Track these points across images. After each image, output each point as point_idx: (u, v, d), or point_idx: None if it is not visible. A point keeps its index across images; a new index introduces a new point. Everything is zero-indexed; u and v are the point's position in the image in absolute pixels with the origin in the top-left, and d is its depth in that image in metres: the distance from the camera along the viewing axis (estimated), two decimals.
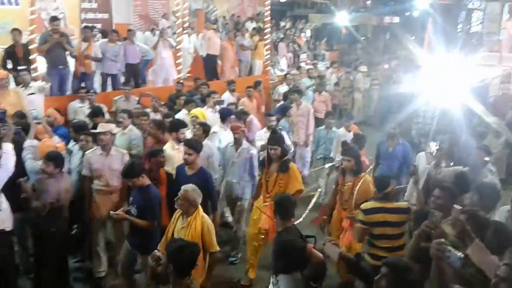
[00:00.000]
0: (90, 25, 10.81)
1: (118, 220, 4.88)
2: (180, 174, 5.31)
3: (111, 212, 4.77)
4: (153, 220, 4.67)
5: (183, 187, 4.30)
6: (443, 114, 7.75)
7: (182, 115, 7.40)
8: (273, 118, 7.24)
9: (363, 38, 20.53)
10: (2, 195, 4.68)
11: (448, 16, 17.94)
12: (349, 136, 7.21)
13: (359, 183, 5.02)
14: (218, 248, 4.38)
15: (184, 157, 5.20)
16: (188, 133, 6.28)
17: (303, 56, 16.26)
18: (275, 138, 5.43)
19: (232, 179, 6.04)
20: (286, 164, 5.31)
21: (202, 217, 4.30)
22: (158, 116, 7.30)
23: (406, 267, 2.90)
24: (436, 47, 10.04)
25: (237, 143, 6.04)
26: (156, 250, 3.66)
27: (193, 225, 4.24)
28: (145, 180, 4.74)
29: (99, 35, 10.36)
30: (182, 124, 6.14)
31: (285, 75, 11.84)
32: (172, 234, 4.34)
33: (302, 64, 14.70)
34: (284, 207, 3.92)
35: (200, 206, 4.33)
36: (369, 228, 4.42)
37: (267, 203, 5.29)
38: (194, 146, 5.21)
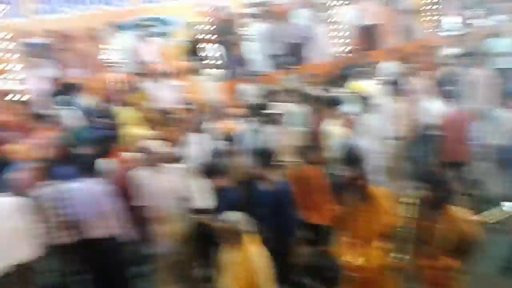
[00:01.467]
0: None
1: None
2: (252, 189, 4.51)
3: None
4: None
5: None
6: None
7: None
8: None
9: None
10: None
11: None
12: None
13: (444, 220, 3.56)
14: None
15: None
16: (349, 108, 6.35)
17: (472, 13, 14.76)
18: (349, 159, 4.12)
19: None
20: (363, 192, 3.90)
21: (251, 254, 3.35)
22: (318, 92, 7.50)
23: None
24: None
25: None
26: None
27: (240, 263, 3.38)
28: (223, 182, 4.41)
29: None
30: (335, 102, 6.12)
31: (453, 36, 10.96)
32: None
33: (471, 21, 13.40)
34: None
35: (249, 240, 3.46)
36: None
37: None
38: None
